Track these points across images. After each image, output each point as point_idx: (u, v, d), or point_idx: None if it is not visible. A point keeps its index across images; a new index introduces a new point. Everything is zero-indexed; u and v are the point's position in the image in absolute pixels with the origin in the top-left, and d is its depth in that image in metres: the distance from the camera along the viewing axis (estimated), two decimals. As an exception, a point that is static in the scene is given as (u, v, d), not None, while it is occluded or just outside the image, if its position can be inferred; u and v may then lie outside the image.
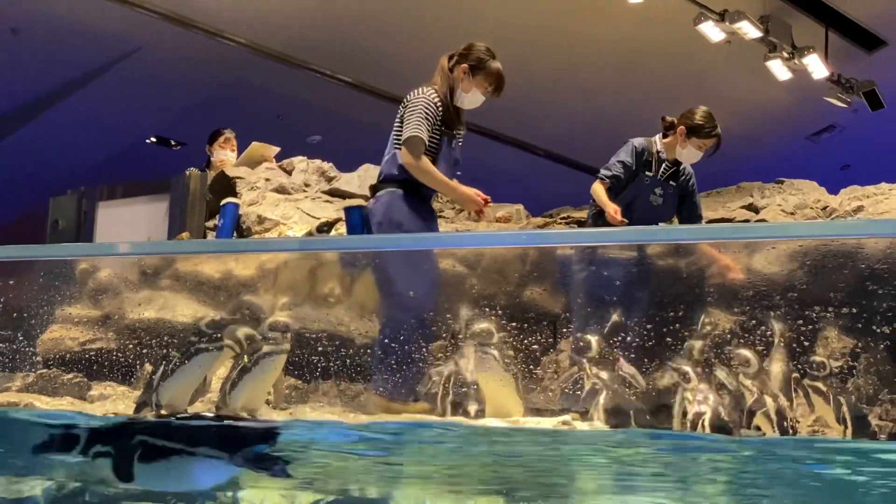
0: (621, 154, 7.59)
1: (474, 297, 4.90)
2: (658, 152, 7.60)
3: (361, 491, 6.02)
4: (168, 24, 14.29)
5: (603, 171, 7.60)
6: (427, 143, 6.48)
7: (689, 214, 7.80)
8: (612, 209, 7.32)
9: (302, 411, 5.09)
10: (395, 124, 6.69)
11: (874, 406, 4.75)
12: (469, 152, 6.89)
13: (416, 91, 6.66)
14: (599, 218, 7.55)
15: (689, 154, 7.54)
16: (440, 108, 6.57)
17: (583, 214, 9.34)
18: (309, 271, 5.06)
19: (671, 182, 7.62)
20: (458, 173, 6.85)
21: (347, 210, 7.78)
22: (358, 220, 7.16)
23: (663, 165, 7.58)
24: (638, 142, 7.62)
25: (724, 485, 5.38)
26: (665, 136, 7.64)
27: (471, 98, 6.69)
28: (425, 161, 6.45)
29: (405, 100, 6.69)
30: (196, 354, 4.83)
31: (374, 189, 6.78)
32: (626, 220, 7.29)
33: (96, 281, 5.21)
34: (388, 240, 5.82)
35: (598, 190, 7.53)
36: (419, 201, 6.60)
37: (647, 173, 7.56)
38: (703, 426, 4.62)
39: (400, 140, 6.58)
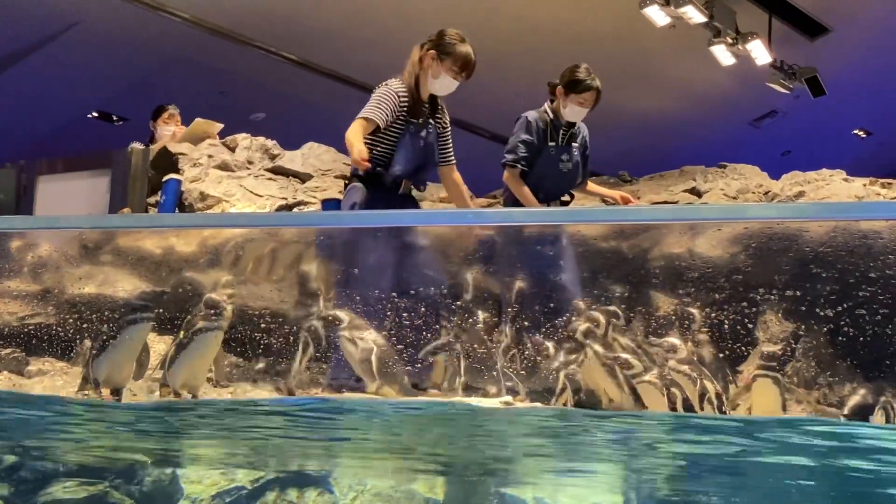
0: (520, 133, 7.48)
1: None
2: (551, 120, 7.55)
3: (301, 468, 6.02)
4: (111, -3, 14.14)
5: (509, 157, 7.50)
6: (379, 123, 6.47)
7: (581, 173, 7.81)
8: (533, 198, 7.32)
9: (243, 388, 5.08)
10: None
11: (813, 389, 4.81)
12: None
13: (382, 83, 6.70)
14: (518, 202, 7.53)
15: (572, 112, 7.47)
16: (402, 97, 6.59)
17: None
18: (249, 248, 5.04)
19: (573, 144, 7.59)
20: (454, 161, 6.94)
21: (324, 202, 7.93)
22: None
23: (561, 131, 7.55)
24: (531, 115, 7.55)
25: (661, 463, 5.43)
26: (552, 101, 7.60)
27: (441, 83, 6.70)
28: (351, 132, 6.41)
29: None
30: (127, 326, 4.80)
31: (345, 181, 6.84)
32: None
33: (36, 255, 5.16)
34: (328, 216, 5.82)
35: (517, 184, 7.50)
36: (383, 192, 6.60)
37: (550, 144, 7.52)
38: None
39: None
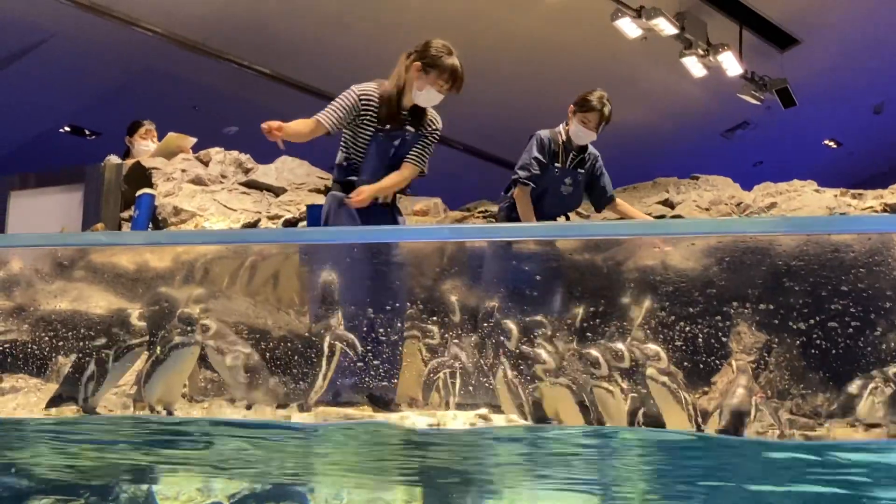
0: (533, 150, 7.50)
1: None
2: (563, 142, 7.57)
3: (279, 481, 6.00)
4: (82, 11, 14.08)
5: (521, 173, 7.49)
6: (329, 129, 6.38)
7: (600, 197, 7.79)
8: None
9: (218, 404, 5.07)
10: None
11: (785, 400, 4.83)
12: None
13: None
14: (513, 211, 7.54)
15: (577, 131, 7.49)
16: (367, 100, 6.42)
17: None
18: (226, 264, 5.04)
19: (579, 170, 7.61)
20: (416, 163, 6.61)
21: (310, 207, 7.89)
22: (318, 218, 7.13)
23: (570, 154, 7.58)
24: (544, 134, 7.58)
25: (641, 478, 5.44)
26: (566, 123, 7.63)
27: (426, 95, 6.46)
28: (297, 123, 6.41)
29: None
30: (127, 352, 4.81)
31: (327, 189, 6.72)
32: None
33: (8, 272, 5.14)
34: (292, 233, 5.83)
35: (525, 203, 7.47)
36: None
37: (556, 165, 7.54)
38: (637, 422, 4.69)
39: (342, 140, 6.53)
